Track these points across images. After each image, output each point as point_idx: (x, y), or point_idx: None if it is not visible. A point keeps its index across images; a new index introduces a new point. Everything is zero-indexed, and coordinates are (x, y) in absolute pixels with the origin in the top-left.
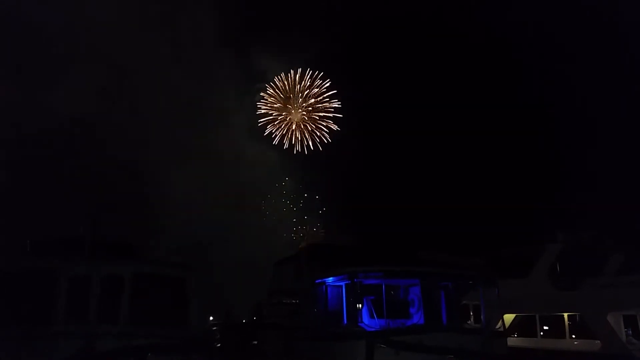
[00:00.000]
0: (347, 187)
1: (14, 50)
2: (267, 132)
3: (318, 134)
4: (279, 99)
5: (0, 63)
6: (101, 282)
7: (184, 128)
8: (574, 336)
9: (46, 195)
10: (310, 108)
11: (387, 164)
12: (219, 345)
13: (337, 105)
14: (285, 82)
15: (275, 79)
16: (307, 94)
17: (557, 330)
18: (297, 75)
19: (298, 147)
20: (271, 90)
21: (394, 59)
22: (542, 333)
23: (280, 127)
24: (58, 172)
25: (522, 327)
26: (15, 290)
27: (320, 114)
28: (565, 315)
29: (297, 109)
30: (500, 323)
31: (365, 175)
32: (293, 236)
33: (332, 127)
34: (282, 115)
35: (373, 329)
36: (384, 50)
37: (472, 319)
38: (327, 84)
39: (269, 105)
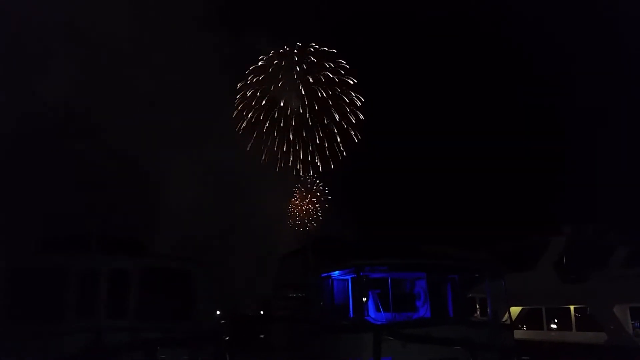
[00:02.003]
0: (352, 181)
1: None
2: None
3: (326, 143)
4: (267, 89)
5: None
6: (108, 277)
7: (183, 119)
8: (586, 329)
9: (47, 192)
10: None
11: (392, 159)
12: (227, 338)
13: (354, 98)
14: (277, 60)
15: (261, 62)
16: (309, 72)
17: (563, 322)
18: (297, 49)
19: (298, 166)
20: (255, 77)
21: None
22: (554, 326)
23: (268, 132)
24: (57, 167)
25: (528, 319)
26: (24, 286)
27: (335, 114)
28: (572, 307)
29: (293, 91)
30: (506, 316)
31: (370, 169)
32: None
33: (350, 132)
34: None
35: (379, 322)
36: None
37: (478, 312)
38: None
39: (252, 99)
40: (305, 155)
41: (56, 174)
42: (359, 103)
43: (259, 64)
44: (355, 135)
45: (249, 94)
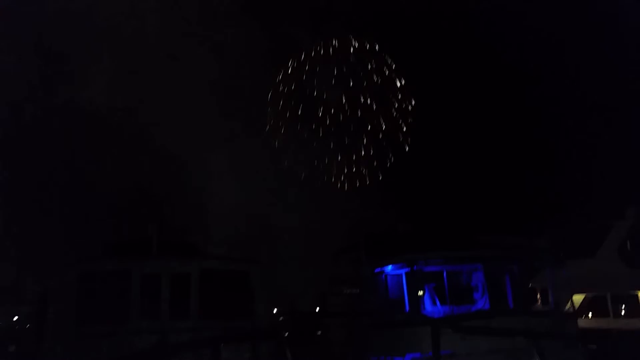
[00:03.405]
0: (402, 170)
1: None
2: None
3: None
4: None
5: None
6: (171, 280)
7: (224, 119)
8: None
9: (104, 196)
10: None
11: (442, 147)
12: (286, 334)
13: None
14: (312, 62)
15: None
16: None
17: (631, 309)
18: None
19: (343, 178)
20: (286, 86)
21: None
22: (622, 313)
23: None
24: (108, 171)
25: (593, 307)
26: (92, 290)
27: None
28: (639, 293)
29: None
30: (569, 304)
31: (420, 158)
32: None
33: (400, 139)
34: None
35: (437, 316)
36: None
37: (539, 302)
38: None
39: (285, 110)
40: (349, 168)
41: (109, 177)
42: (408, 107)
43: (289, 70)
44: (405, 141)
45: (280, 105)
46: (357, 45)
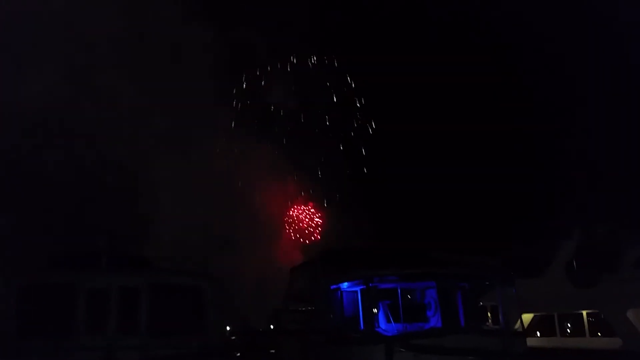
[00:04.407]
0: (359, 189)
1: None
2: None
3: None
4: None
5: None
6: (118, 294)
7: (177, 126)
8: (599, 334)
9: (50, 206)
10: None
11: (400, 167)
12: (238, 354)
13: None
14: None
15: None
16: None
17: (577, 328)
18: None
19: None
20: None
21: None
22: (568, 331)
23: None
24: (54, 180)
25: (541, 326)
26: (35, 304)
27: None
28: (584, 313)
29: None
30: (518, 323)
31: (377, 177)
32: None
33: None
34: None
35: (390, 334)
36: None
37: (490, 320)
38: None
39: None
40: (307, 187)
41: (53, 186)
42: (368, 128)
43: (244, 85)
44: (364, 160)
45: (234, 121)
46: (316, 61)
